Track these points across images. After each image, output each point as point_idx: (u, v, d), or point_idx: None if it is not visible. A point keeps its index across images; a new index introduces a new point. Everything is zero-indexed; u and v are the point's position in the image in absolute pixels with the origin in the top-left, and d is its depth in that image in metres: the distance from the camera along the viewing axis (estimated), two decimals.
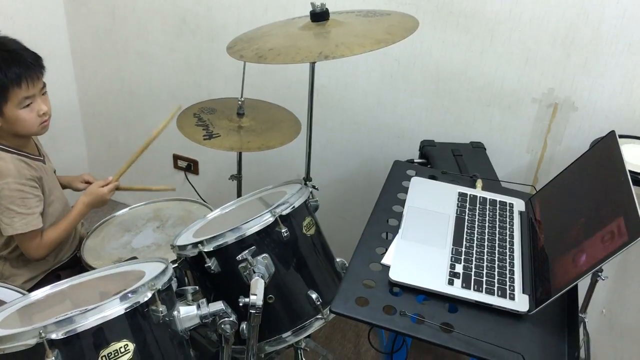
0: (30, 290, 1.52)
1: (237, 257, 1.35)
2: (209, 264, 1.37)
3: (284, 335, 1.43)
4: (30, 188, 1.55)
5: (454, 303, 1.10)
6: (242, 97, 1.87)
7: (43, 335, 1.01)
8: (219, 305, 1.24)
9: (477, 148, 1.96)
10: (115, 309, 1.07)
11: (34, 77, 1.50)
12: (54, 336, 1.02)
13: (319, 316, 1.43)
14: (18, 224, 1.53)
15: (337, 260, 1.57)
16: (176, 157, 2.62)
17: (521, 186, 1.67)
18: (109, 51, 2.52)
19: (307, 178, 1.69)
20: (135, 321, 1.11)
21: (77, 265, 1.76)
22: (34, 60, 1.52)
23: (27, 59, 1.50)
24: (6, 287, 1.49)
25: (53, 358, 1.01)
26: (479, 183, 1.48)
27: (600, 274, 1.19)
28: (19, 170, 1.53)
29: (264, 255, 1.37)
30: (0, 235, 1.59)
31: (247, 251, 1.35)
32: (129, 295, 1.10)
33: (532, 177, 2.02)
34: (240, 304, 1.29)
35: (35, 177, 1.57)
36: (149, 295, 1.12)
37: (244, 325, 1.33)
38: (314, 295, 1.42)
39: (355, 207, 2.36)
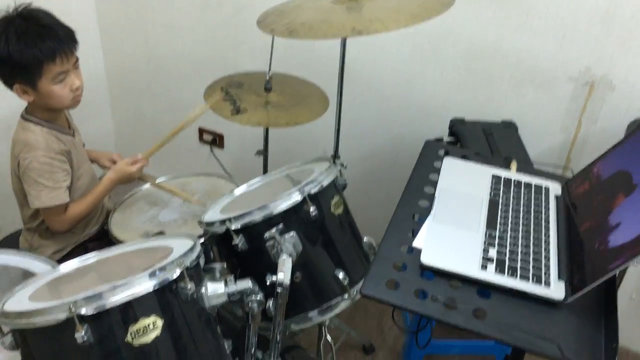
0: (59, 261, 1.54)
1: (265, 235, 1.34)
2: (237, 242, 1.36)
3: (309, 314, 1.42)
4: (58, 162, 1.55)
5: (486, 288, 1.07)
6: (270, 71, 1.83)
7: (73, 310, 1.01)
8: (246, 283, 1.23)
9: (509, 127, 1.92)
10: (144, 285, 1.07)
11: (67, 52, 1.49)
12: (83, 311, 1.02)
13: (345, 296, 1.42)
14: (45, 197, 1.54)
15: (365, 239, 1.55)
16: (202, 131, 2.61)
17: (554, 167, 1.63)
18: (136, 23, 2.50)
19: (335, 155, 1.66)
20: (164, 298, 1.10)
21: (104, 238, 1.77)
22: (67, 35, 1.50)
23: (60, 33, 1.48)
24: (35, 259, 1.50)
25: (82, 333, 1.02)
26: (514, 165, 1.43)
27: None
28: (48, 144, 1.54)
29: (292, 233, 1.36)
30: (28, 207, 1.60)
31: (274, 229, 1.34)
32: (158, 271, 1.09)
33: (565, 158, 1.97)
34: (268, 282, 1.28)
35: (64, 151, 1.57)
36: (178, 272, 1.11)
37: (270, 303, 1.32)
38: (340, 275, 1.41)
39: (380, 185, 2.33)
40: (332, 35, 1.25)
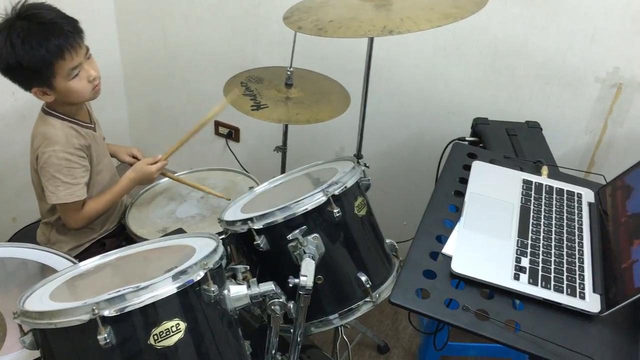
0: (76, 257, 1.52)
1: (288, 236, 1.31)
2: (258, 242, 1.33)
3: (330, 317, 1.39)
4: (77, 158, 1.53)
5: (519, 299, 1.05)
6: (291, 67, 1.80)
7: (96, 311, 0.99)
8: (269, 286, 1.21)
9: (533, 128, 1.88)
10: (167, 287, 1.05)
11: (75, 46, 1.43)
12: (106, 313, 1.00)
13: (367, 299, 1.39)
14: (62, 193, 1.51)
15: (387, 241, 1.52)
16: (218, 124, 2.58)
17: (576, 170, 1.59)
18: (154, 13, 2.46)
19: (358, 155, 1.63)
20: (187, 300, 1.08)
21: (121, 234, 1.75)
22: (72, 28, 1.43)
23: (65, 28, 1.42)
24: (53, 253, 1.48)
25: (105, 334, 1.00)
26: (545, 170, 1.40)
27: None
28: (67, 139, 1.51)
29: (315, 235, 1.33)
30: (46, 201, 1.58)
31: (297, 230, 1.31)
32: (181, 274, 1.07)
33: (589, 160, 1.93)
34: (290, 285, 1.25)
35: (84, 146, 1.55)
36: (202, 274, 1.09)
37: (291, 305, 1.30)
38: (363, 278, 1.37)
39: (397, 181, 2.30)
40: (362, 34, 1.21)
